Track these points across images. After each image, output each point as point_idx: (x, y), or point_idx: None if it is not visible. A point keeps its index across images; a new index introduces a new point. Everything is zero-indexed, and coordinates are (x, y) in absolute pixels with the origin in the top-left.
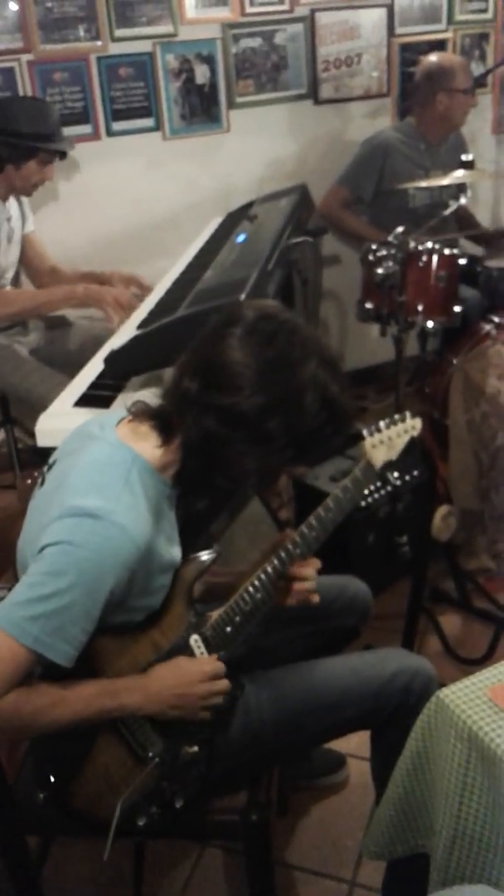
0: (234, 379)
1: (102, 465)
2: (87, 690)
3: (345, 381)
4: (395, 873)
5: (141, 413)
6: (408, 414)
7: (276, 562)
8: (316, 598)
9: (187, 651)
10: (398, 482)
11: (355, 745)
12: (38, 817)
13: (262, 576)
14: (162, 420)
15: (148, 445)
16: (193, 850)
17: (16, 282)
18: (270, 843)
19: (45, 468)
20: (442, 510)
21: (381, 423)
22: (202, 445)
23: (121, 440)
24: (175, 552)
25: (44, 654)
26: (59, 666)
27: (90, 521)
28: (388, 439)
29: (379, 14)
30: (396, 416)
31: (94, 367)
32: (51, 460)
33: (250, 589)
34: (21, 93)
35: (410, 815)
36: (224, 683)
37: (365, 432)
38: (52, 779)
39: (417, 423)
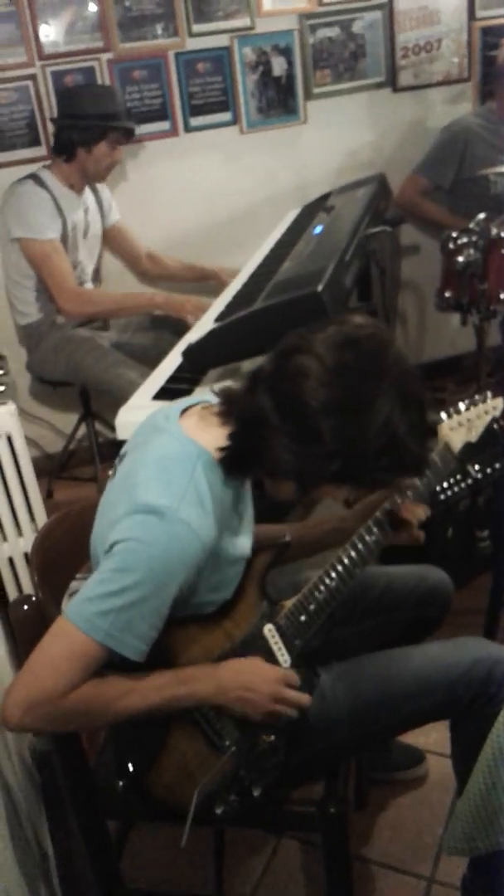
0: (302, 369)
1: (168, 460)
2: (158, 679)
3: (421, 422)
4: (475, 870)
5: (220, 395)
6: (489, 394)
7: (350, 550)
8: (422, 536)
9: (261, 640)
10: (479, 475)
11: (434, 741)
12: (118, 802)
13: (337, 565)
14: (230, 403)
15: (212, 437)
16: (270, 842)
17: (96, 278)
18: (348, 836)
19: (118, 460)
20: None
21: (461, 405)
22: (249, 426)
23: (185, 433)
24: (244, 544)
25: (114, 648)
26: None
27: (157, 518)
28: (467, 421)
29: None
30: (477, 397)
31: (172, 361)
32: (122, 452)
33: (325, 578)
34: None
35: (492, 811)
36: (296, 695)
37: (443, 415)
38: (131, 767)
39: (499, 403)
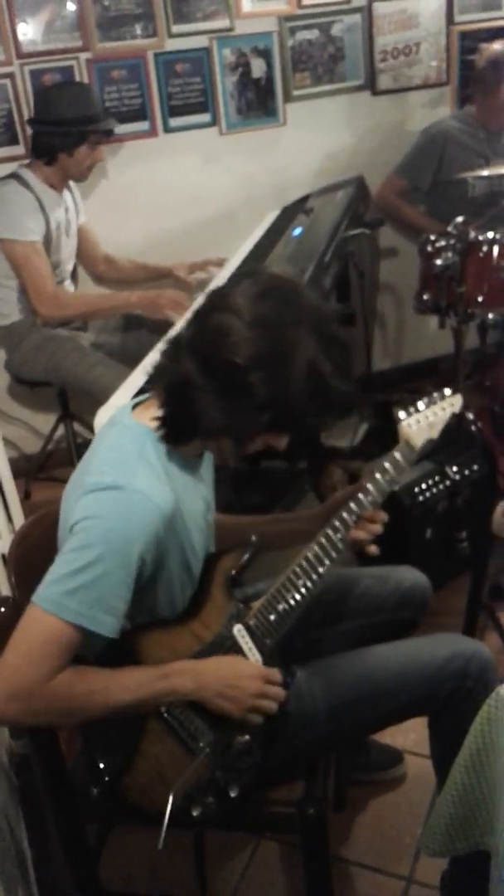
0: (222, 327)
1: (118, 444)
2: (139, 673)
3: (344, 362)
4: (454, 870)
5: (150, 371)
6: (447, 390)
7: (316, 549)
8: (374, 549)
9: (231, 641)
10: (457, 476)
11: (413, 741)
12: (96, 806)
13: (303, 562)
14: (158, 375)
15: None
16: (249, 843)
17: (73, 275)
18: (327, 837)
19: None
20: (502, 505)
21: (420, 403)
22: (177, 391)
23: (135, 419)
24: (205, 505)
25: (87, 626)
26: (107, 653)
27: (111, 492)
28: (425, 418)
29: (438, 2)
30: (435, 394)
31: (152, 360)
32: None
33: (292, 577)
34: None
35: (471, 811)
36: (277, 691)
37: (402, 414)
38: (105, 774)
39: (458, 400)
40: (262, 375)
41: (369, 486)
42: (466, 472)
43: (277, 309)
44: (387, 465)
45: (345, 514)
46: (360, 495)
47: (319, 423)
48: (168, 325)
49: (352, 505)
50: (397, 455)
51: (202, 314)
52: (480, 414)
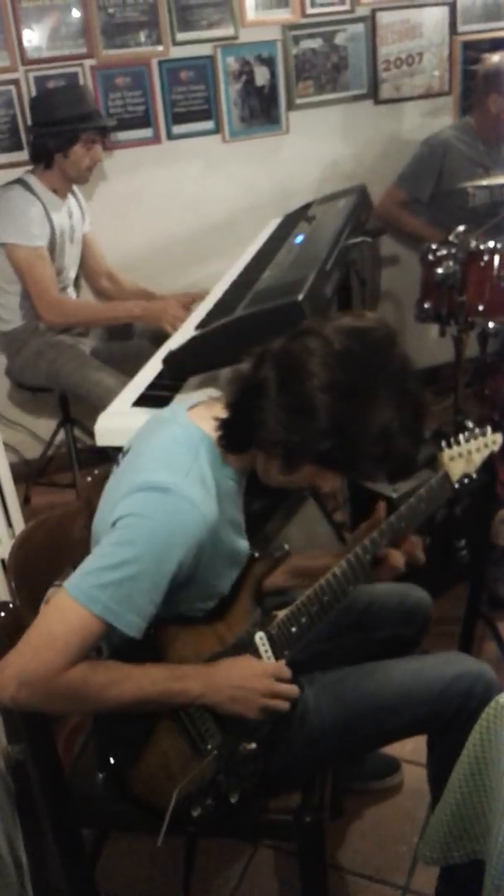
0: (310, 348)
1: (172, 443)
2: (154, 670)
3: (417, 424)
4: (449, 879)
5: (230, 374)
6: (489, 428)
7: (345, 565)
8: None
9: (252, 647)
10: (456, 485)
11: (410, 750)
12: (94, 809)
13: (331, 578)
14: (237, 378)
15: (215, 421)
16: (246, 851)
17: (77, 283)
18: (324, 845)
19: (121, 454)
20: (501, 514)
21: (461, 437)
22: (248, 395)
23: (190, 420)
24: (241, 542)
25: (112, 622)
26: (128, 646)
27: (160, 494)
28: (466, 453)
29: (441, 12)
30: (477, 430)
31: (152, 367)
32: (126, 447)
33: (319, 592)
34: None
35: (468, 820)
36: (287, 688)
37: (443, 444)
38: (112, 760)
39: (499, 438)
40: (332, 403)
41: (404, 510)
42: (466, 480)
43: (367, 350)
44: (423, 491)
45: (376, 535)
46: (393, 519)
47: (371, 472)
48: (166, 335)
49: (384, 527)
50: (434, 484)
51: (296, 334)
52: (480, 423)
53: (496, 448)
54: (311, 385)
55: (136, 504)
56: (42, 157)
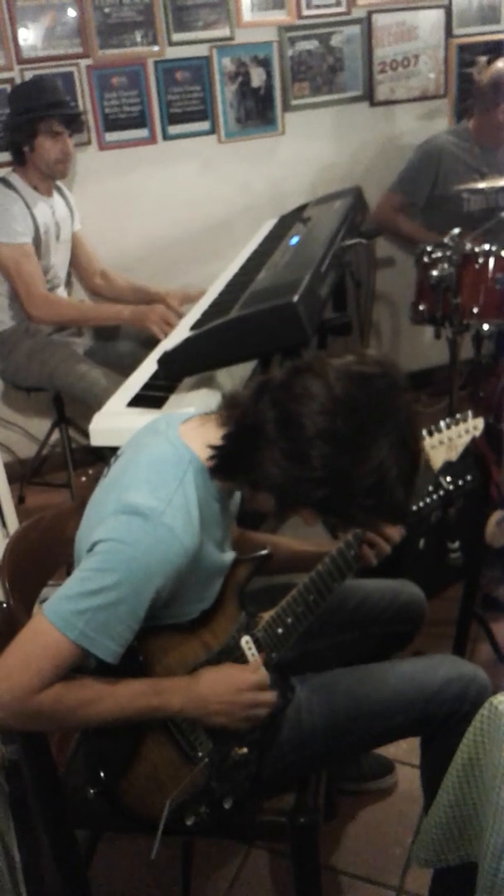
0: (309, 392)
1: (160, 463)
2: (132, 687)
3: (411, 472)
4: (442, 881)
5: (225, 398)
6: (469, 414)
7: (328, 562)
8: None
9: (238, 652)
10: (451, 487)
11: (404, 751)
12: (88, 811)
13: (315, 577)
14: (234, 406)
15: (207, 441)
16: (240, 852)
17: (67, 282)
18: (318, 846)
19: (112, 460)
20: (496, 516)
21: (442, 424)
22: (246, 431)
23: (181, 438)
24: (226, 557)
25: (88, 648)
26: (107, 662)
27: (141, 520)
28: (448, 440)
29: (437, 15)
30: (458, 416)
31: (147, 368)
32: (119, 452)
33: (303, 592)
34: (80, 97)
35: (461, 823)
36: (269, 696)
37: (424, 432)
38: (102, 775)
39: (479, 423)
40: (327, 453)
41: None
42: (460, 482)
43: (369, 399)
44: None
45: (359, 532)
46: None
47: (365, 520)
48: (155, 338)
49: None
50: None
51: (297, 370)
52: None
53: (477, 433)
54: (307, 432)
55: (117, 529)
56: (15, 154)
